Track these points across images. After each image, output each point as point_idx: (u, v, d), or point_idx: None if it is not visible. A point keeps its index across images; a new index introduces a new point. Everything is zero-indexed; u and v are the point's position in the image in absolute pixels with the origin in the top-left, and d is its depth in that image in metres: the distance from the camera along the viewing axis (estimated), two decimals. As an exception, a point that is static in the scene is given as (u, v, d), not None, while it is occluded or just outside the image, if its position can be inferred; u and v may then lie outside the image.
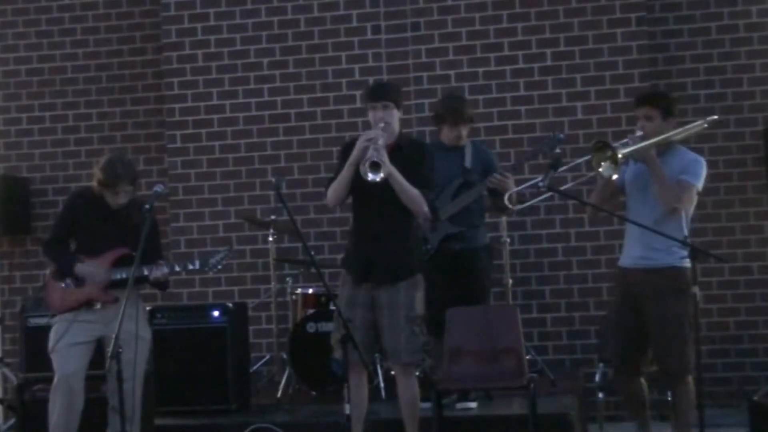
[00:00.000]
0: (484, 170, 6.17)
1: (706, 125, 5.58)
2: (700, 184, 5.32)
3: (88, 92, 8.41)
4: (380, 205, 5.10)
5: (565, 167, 5.74)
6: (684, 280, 5.18)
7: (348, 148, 5.19)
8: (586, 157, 5.16)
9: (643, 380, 5.48)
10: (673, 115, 5.37)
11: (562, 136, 6.42)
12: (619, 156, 5.07)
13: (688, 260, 5.12)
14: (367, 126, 5.28)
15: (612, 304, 5.56)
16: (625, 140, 5.24)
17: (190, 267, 5.70)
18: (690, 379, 5.27)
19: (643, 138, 5.21)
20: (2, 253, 8.44)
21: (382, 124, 5.07)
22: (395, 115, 5.17)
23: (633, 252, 5.35)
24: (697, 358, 5.08)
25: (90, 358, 5.55)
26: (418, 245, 5.34)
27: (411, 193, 5.05)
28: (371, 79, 7.70)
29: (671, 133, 5.31)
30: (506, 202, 5.97)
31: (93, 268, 5.53)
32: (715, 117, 5.77)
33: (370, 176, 4.91)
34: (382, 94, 5.19)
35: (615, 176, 5.16)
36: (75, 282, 5.56)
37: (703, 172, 5.33)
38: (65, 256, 5.64)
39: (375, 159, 4.90)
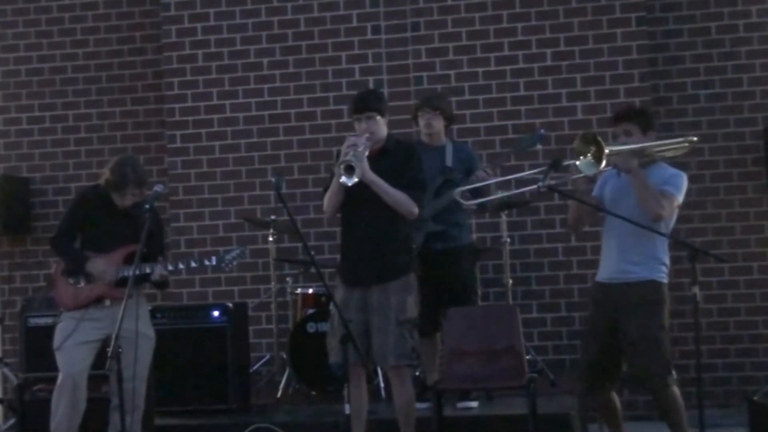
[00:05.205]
0: (466, 169, 6.16)
1: (687, 144, 5.38)
2: (681, 197, 5.21)
3: (88, 92, 8.41)
4: (366, 208, 5.13)
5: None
6: (660, 293, 5.15)
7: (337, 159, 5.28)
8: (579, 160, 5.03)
9: (613, 390, 5.37)
10: (653, 129, 5.29)
11: (543, 131, 6.42)
12: (606, 151, 4.90)
13: (665, 275, 5.15)
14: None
15: (587, 320, 5.46)
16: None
17: (207, 263, 5.69)
18: (671, 381, 5.13)
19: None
20: (2, 253, 8.44)
21: (367, 135, 5.14)
22: (380, 123, 5.24)
23: (610, 266, 5.25)
24: (697, 358, 5.05)
25: (95, 357, 5.53)
26: (407, 245, 5.33)
27: (395, 197, 5.11)
28: (371, 79, 7.73)
29: (653, 144, 5.20)
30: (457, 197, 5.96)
31: (104, 265, 5.51)
32: (694, 138, 5.47)
33: (344, 179, 4.97)
34: (363, 105, 5.26)
35: (590, 173, 5.02)
36: (86, 279, 5.56)
37: (684, 185, 5.22)
38: (75, 252, 5.61)
39: (349, 161, 4.96)
